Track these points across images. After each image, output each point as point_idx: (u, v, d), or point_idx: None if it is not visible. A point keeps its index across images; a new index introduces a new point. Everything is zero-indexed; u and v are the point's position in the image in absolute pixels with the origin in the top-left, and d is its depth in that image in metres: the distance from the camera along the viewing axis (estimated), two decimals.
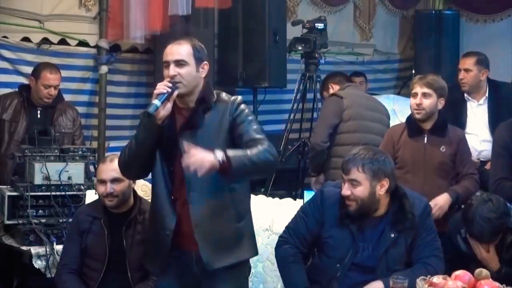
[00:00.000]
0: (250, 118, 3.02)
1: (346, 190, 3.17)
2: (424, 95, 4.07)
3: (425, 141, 4.09)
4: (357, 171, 3.15)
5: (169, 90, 2.91)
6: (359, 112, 4.72)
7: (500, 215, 3.25)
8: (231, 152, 2.80)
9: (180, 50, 3.00)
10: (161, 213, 3.04)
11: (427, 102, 4.06)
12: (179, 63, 2.98)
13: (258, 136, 2.96)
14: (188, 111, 3.03)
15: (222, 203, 3.01)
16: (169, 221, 3.01)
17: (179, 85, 2.95)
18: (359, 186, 3.16)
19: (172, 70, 2.97)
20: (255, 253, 3.20)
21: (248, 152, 2.85)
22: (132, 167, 3.09)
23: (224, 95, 3.10)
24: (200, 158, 2.75)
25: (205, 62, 3.06)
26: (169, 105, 2.93)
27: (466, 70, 4.92)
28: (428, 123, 4.11)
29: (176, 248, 3.05)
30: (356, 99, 4.80)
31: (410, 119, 4.19)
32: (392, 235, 3.20)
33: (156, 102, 2.88)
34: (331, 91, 5.02)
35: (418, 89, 4.09)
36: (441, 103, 4.11)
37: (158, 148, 3.01)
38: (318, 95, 5.63)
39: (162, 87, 2.92)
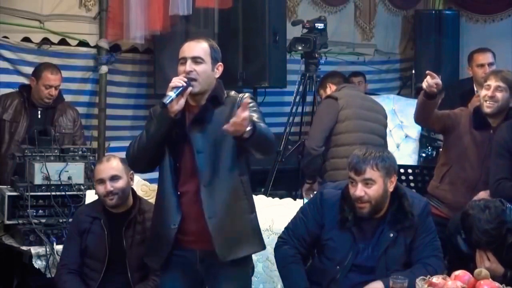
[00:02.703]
0: (254, 109, 3.03)
1: (360, 191, 3.15)
2: (498, 88, 3.91)
3: (490, 137, 3.96)
4: (372, 170, 3.15)
5: (184, 84, 2.94)
6: (355, 112, 4.69)
7: (497, 225, 3.22)
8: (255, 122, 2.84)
9: (198, 47, 3.04)
10: (166, 207, 3.06)
11: (500, 96, 3.91)
12: (196, 60, 3.01)
13: (260, 122, 2.97)
14: (199, 108, 3.06)
15: (236, 194, 3.04)
16: (174, 215, 3.03)
17: (194, 83, 2.98)
18: (373, 185, 3.15)
19: (189, 66, 2.99)
20: (264, 247, 3.20)
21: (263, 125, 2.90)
22: (141, 160, 3.10)
23: (233, 92, 3.14)
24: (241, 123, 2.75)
25: (220, 63, 3.10)
26: (182, 101, 2.96)
27: (491, 65, 4.92)
28: (495, 120, 3.97)
29: (179, 246, 3.06)
30: (352, 99, 4.77)
31: (477, 111, 4.02)
32: (391, 235, 3.20)
33: (171, 93, 2.91)
34: (328, 90, 4.98)
35: (493, 82, 3.92)
36: None
37: (166, 143, 3.03)
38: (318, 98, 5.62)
39: (177, 80, 2.95)
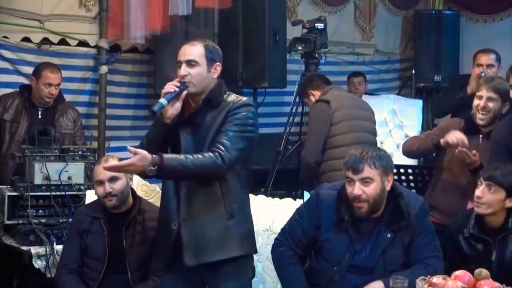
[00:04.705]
0: (238, 121, 3.01)
1: (358, 190, 3.13)
2: (490, 99, 3.96)
3: (480, 142, 4.01)
4: (370, 168, 3.14)
5: (177, 89, 2.95)
6: (348, 113, 4.66)
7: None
8: (167, 158, 2.85)
9: (192, 50, 3.05)
10: (168, 207, 3.09)
11: (491, 106, 3.96)
12: (190, 63, 3.03)
13: (222, 140, 2.96)
14: (193, 110, 3.07)
15: (213, 199, 3.02)
16: (175, 215, 3.05)
17: (189, 85, 3.00)
18: (371, 184, 3.14)
19: (183, 70, 3.02)
20: (250, 251, 3.18)
21: (185, 157, 2.89)
22: None
23: (232, 96, 3.12)
24: (129, 163, 2.83)
25: (218, 63, 3.10)
26: (178, 104, 2.97)
27: (490, 66, 4.93)
28: (487, 128, 4.01)
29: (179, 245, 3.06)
30: (343, 100, 4.73)
31: (470, 118, 4.07)
32: (389, 235, 3.19)
33: (162, 100, 2.93)
34: (312, 98, 4.86)
35: (484, 93, 3.97)
36: (505, 108, 4.00)
37: (169, 143, 3.04)
38: None
39: (170, 86, 2.96)
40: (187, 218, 3.01)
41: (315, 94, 4.84)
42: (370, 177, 3.14)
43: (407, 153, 4.37)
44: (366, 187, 3.14)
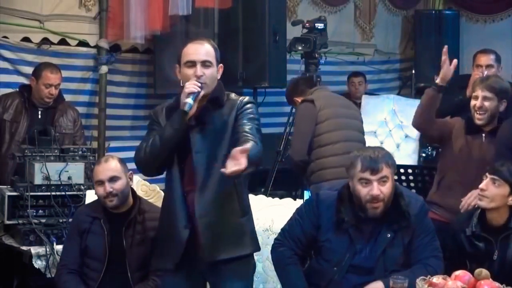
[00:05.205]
0: (251, 116, 3.06)
1: (376, 190, 3.12)
2: (485, 98, 3.97)
3: (483, 141, 4.02)
4: (386, 167, 3.15)
5: (199, 89, 2.96)
6: (334, 111, 4.64)
7: None
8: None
9: (205, 50, 3.05)
10: (176, 208, 3.07)
11: (487, 105, 3.97)
12: (205, 63, 3.03)
13: (247, 130, 2.98)
14: (199, 109, 3.06)
15: (228, 196, 3.05)
16: (184, 214, 3.04)
17: (204, 86, 3.00)
18: (387, 182, 3.15)
19: (199, 70, 3.00)
20: (257, 249, 3.21)
21: (250, 146, 2.84)
22: (153, 164, 3.09)
23: (233, 95, 3.15)
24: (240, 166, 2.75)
25: (221, 64, 3.12)
26: (195, 105, 2.98)
27: (489, 67, 4.94)
28: (488, 126, 4.02)
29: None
30: (327, 99, 4.72)
31: (470, 119, 4.08)
32: (389, 235, 3.19)
33: (189, 100, 2.93)
34: (298, 104, 4.84)
35: (479, 92, 3.99)
36: (502, 105, 4.02)
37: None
38: None
39: (192, 86, 2.96)
40: (203, 215, 3.01)
41: (300, 100, 4.83)
42: (387, 176, 3.15)
43: (414, 119, 4.27)
44: (383, 186, 3.15)
